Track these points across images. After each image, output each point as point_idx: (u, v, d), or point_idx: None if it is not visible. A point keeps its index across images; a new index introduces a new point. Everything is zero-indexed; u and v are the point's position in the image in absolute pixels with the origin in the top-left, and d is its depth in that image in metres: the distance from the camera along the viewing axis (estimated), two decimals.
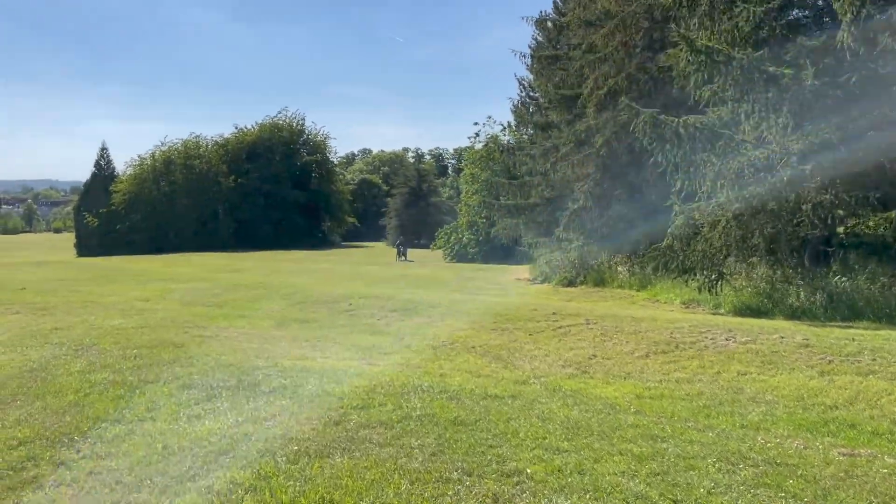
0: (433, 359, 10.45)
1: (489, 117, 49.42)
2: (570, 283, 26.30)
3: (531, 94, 47.84)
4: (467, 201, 48.73)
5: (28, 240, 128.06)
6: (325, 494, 4.30)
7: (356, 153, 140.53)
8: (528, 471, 4.75)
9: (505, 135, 51.52)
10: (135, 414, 6.36)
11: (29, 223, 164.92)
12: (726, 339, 11.12)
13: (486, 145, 50.76)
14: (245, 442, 5.38)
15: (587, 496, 4.37)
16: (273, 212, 66.89)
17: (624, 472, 4.80)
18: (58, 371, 8.43)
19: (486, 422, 6.04)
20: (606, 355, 10.97)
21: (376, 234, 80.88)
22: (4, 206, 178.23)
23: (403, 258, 44.51)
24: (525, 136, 46.06)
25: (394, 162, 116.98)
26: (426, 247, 64.45)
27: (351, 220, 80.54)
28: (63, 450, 5.40)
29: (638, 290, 22.29)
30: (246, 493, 4.38)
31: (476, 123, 48.74)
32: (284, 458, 4.98)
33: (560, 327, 13.19)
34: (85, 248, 61.86)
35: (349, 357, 9.97)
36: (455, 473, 4.70)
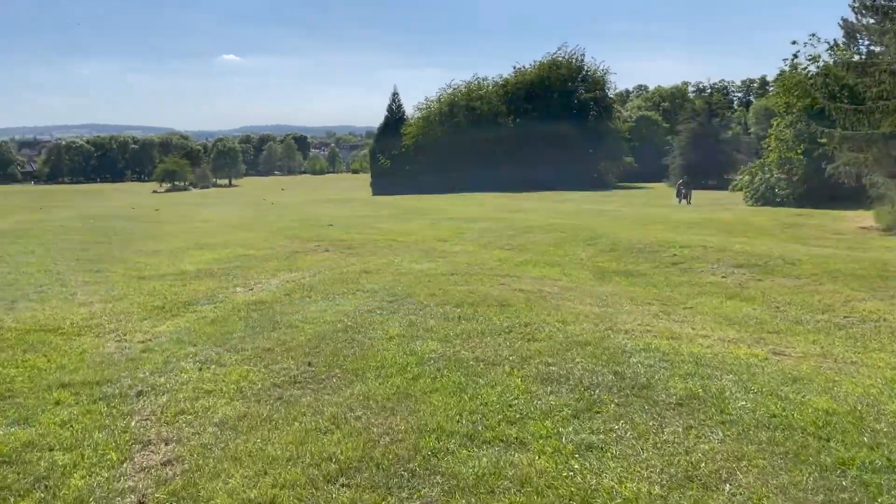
0: (860, 349, 7.05)
1: (812, 35, 40.68)
2: None
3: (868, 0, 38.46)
4: (779, 135, 41.40)
5: (330, 180, 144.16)
6: None
7: (630, 90, 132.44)
8: None
9: (832, 54, 42.46)
10: (492, 427, 4.23)
11: (332, 164, 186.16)
12: None
13: (805, 68, 42.37)
14: None
15: None
16: (549, 151, 64.71)
17: None
18: (374, 332, 6.82)
19: None
20: None
21: (654, 175, 74.80)
22: (313, 150, 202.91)
23: (685, 201, 39.06)
24: (857, 56, 37.30)
25: (675, 97, 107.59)
26: (715, 188, 57.45)
27: (628, 160, 75.43)
28: None
29: None
30: None
31: (794, 42, 40.46)
32: None
33: None
34: (378, 187, 66.29)
35: (735, 337, 7.05)
36: None
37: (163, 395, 5.23)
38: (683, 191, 39.85)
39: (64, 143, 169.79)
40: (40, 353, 6.57)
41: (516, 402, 4.64)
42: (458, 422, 4.32)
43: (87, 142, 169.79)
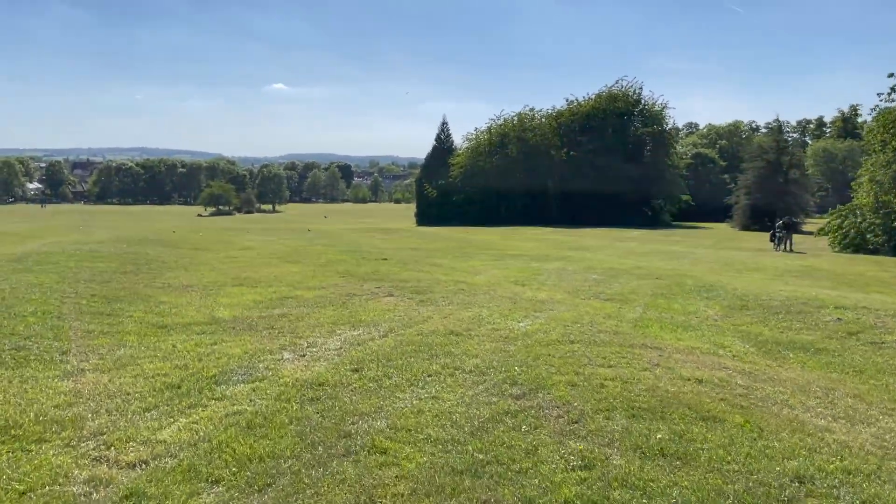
0: None
1: None
2: None
3: None
4: (873, 176, 37.48)
5: (373, 208, 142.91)
6: None
7: (680, 127, 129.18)
8: None
9: None
10: None
11: (374, 193, 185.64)
12: None
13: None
14: None
15: None
16: (602, 186, 61.40)
17: None
18: (528, 481, 3.86)
19: None
20: None
21: (710, 214, 71.02)
22: (356, 179, 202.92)
23: (783, 248, 33.72)
24: None
25: (732, 134, 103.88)
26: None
27: (685, 197, 71.61)
28: None
29: None
30: None
31: (891, 75, 36.84)
32: None
33: None
34: (424, 217, 63.76)
35: None
36: None
37: None
38: (781, 234, 34.06)
39: (114, 164, 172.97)
40: None
41: None
42: None
43: (137, 164, 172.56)
